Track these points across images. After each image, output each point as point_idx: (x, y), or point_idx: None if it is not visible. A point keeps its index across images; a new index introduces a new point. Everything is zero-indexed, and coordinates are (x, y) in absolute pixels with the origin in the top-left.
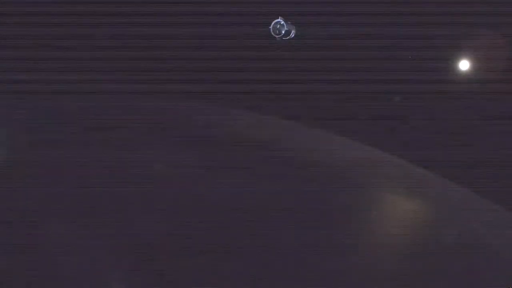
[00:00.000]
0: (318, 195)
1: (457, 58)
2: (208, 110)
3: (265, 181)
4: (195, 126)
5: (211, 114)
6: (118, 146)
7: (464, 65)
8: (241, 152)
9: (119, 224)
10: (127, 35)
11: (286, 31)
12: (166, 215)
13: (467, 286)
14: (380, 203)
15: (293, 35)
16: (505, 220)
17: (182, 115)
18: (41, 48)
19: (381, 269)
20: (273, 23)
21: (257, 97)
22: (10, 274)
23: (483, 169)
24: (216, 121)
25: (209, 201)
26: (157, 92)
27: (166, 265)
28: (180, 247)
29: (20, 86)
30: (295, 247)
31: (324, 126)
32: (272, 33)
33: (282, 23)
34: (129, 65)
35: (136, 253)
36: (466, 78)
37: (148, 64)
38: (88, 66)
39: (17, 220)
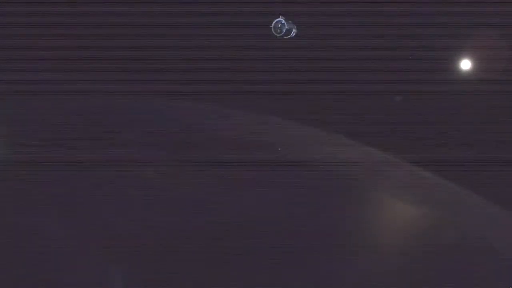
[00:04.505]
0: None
1: (458, 58)
2: (207, 110)
3: (265, 182)
4: (194, 127)
5: (211, 115)
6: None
7: (465, 65)
8: (241, 153)
9: (117, 223)
10: (127, 35)
11: (287, 30)
12: (165, 216)
13: None
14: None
15: (293, 34)
16: None
17: (180, 115)
18: (41, 48)
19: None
20: (274, 22)
21: (257, 97)
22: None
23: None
24: (215, 121)
25: (209, 202)
26: (156, 92)
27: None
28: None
29: (20, 86)
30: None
31: (324, 126)
32: (273, 32)
33: (283, 22)
34: (128, 65)
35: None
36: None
37: (147, 64)
38: (88, 66)
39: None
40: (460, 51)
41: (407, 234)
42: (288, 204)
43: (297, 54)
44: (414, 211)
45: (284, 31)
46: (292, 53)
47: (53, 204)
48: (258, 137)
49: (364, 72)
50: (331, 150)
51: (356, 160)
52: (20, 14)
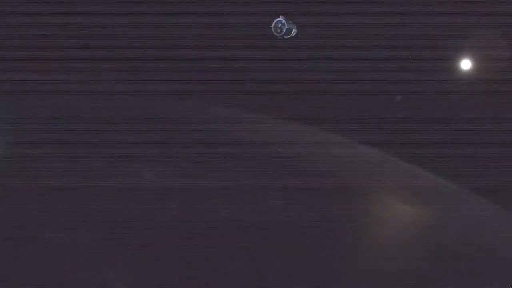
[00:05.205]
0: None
1: (458, 58)
2: (208, 110)
3: (264, 181)
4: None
5: (211, 114)
6: (118, 146)
7: (465, 65)
8: (240, 152)
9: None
10: (127, 35)
11: (287, 30)
12: (163, 215)
13: None
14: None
15: (294, 34)
16: None
17: (181, 115)
18: (40, 48)
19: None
20: (274, 22)
21: (257, 97)
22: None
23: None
24: (215, 121)
25: (208, 202)
26: (156, 92)
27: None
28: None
29: (20, 86)
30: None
31: (323, 126)
32: (274, 32)
33: (283, 22)
34: (129, 65)
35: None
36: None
37: (147, 64)
38: (88, 66)
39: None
40: (460, 51)
41: (407, 233)
42: (289, 204)
43: (297, 54)
44: (413, 210)
45: (284, 31)
46: (292, 53)
47: (55, 205)
48: (258, 137)
49: (364, 72)
50: (331, 150)
51: (356, 160)
52: (21, 14)
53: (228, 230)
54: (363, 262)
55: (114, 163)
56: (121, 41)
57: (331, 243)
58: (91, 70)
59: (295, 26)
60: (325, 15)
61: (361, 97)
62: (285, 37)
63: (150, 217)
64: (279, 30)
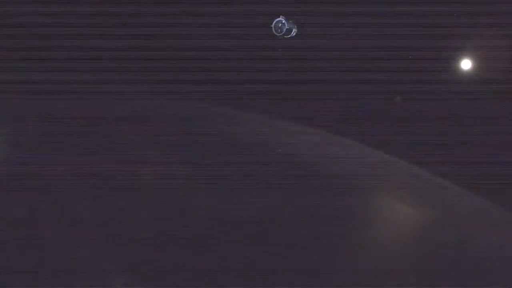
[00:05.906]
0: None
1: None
2: (208, 110)
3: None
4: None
5: (211, 114)
6: (117, 145)
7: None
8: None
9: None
10: (127, 35)
11: (287, 29)
12: (161, 213)
13: None
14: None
15: (294, 34)
16: None
17: (181, 115)
18: (41, 48)
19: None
20: (274, 21)
21: (257, 97)
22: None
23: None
24: (215, 121)
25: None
26: (156, 92)
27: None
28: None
29: (20, 86)
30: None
31: (323, 126)
32: (274, 31)
33: (283, 21)
34: (129, 65)
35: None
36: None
37: (147, 64)
38: (88, 66)
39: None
40: (460, 51)
41: (406, 233)
42: (288, 204)
43: (297, 54)
44: (412, 211)
45: (284, 30)
46: (292, 53)
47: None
48: (258, 138)
49: (364, 72)
50: (331, 150)
51: (356, 160)
52: (22, 14)
53: (228, 228)
54: (362, 261)
55: (115, 164)
56: (122, 42)
57: (331, 243)
58: (92, 71)
59: (295, 26)
60: (324, 15)
61: (361, 97)
62: (285, 37)
63: (151, 215)
64: (279, 30)
